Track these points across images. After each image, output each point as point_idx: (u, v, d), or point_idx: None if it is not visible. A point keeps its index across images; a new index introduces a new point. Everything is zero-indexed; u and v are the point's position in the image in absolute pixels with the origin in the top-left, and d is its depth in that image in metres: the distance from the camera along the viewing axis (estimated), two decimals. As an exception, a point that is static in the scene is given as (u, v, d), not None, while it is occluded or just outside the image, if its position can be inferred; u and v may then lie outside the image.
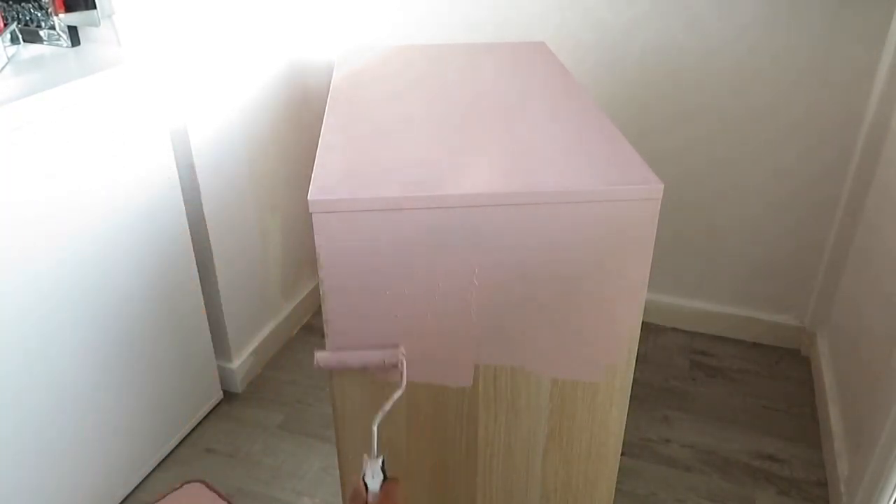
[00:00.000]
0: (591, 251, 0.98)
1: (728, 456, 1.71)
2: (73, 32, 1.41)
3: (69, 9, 1.37)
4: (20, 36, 1.39)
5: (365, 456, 0.89)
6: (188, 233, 1.65)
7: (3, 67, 1.30)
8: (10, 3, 1.37)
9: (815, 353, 1.97)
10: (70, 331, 1.36)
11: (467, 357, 1.06)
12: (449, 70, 1.51)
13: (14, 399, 1.27)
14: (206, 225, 1.71)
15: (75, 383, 1.40)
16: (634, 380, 1.11)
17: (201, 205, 1.68)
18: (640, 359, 1.09)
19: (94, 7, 1.37)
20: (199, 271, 1.72)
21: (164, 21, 1.49)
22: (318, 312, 2.26)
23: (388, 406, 0.92)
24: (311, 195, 0.92)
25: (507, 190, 0.96)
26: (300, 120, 2.06)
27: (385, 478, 0.88)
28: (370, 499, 0.87)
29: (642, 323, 1.05)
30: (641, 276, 1.01)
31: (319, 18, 2.06)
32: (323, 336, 1.00)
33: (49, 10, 1.37)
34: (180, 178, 1.62)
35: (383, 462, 0.88)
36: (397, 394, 0.94)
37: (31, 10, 1.38)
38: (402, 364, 0.99)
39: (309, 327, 2.23)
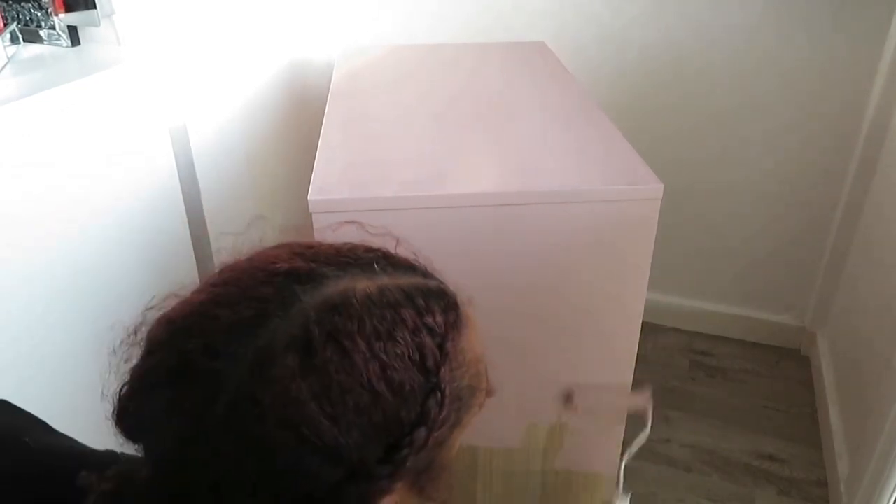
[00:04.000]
0: (592, 251, 0.98)
1: (728, 456, 1.71)
2: (73, 32, 1.41)
3: (69, 9, 1.37)
4: (20, 36, 1.39)
5: (617, 490, 0.95)
6: (188, 233, 1.65)
7: (3, 67, 1.30)
8: (10, 3, 1.37)
9: (815, 353, 1.97)
10: (67, 332, 1.36)
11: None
12: (449, 70, 1.51)
13: (14, 399, 1.27)
14: (205, 225, 1.71)
15: (72, 386, 1.40)
16: (634, 380, 1.11)
17: (201, 205, 1.68)
18: (640, 359, 1.09)
19: (94, 7, 1.37)
20: (198, 271, 1.72)
21: (164, 21, 1.49)
22: (318, 312, 2.25)
23: (634, 450, 0.97)
24: (311, 195, 0.92)
25: (507, 190, 0.96)
26: (300, 120, 2.06)
27: None
28: None
29: (642, 323, 1.05)
30: (642, 275, 1.01)
31: (319, 18, 2.06)
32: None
33: (49, 10, 1.37)
34: (180, 177, 1.61)
35: (630, 498, 0.94)
36: (644, 435, 0.99)
37: (31, 10, 1.38)
38: (648, 409, 1.01)
39: (309, 327, 2.22)
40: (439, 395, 0.49)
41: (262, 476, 0.45)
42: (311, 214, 0.92)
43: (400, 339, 0.48)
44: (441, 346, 0.50)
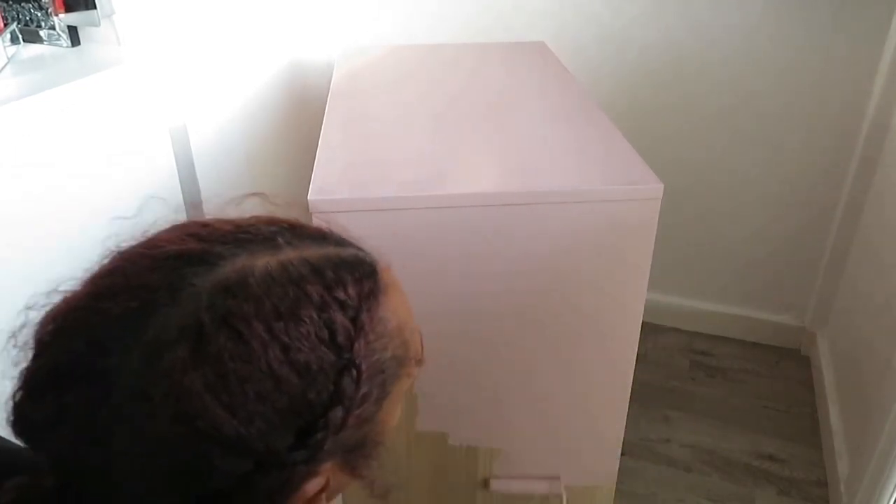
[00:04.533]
0: (592, 251, 0.98)
1: (728, 456, 1.71)
2: (73, 32, 1.41)
3: (69, 9, 1.37)
4: (20, 36, 1.39)
5: None
6: (188, 233, 1.65)
7: (3, 67, 1.30)
8: (10, 3, 1.37)
9: (815, 353, 1.97)
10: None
11: (468, 355, 1.06)
12: (449, 70, 1.51)
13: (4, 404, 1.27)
14: (206, 225, 1.71)
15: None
16: (634, 380, 1.11)
17: (201, 205, 1.68)
18: (640, 359, 1.09)
19: (94, 7, 1.37)
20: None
21: (164, 21, 1.49)
22: (318, 312, 2.25)
23: None
24: (311, 195, 0.92)
25: (507, 190, 0.96)
26: (300, 120, 2.06)
27: None
28: None
29: (642, 323, 1.05)
30: (642, 275, 1.01)
31: (319, 18, 2.06)
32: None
33: (49, 10, 1.37)
34: (180, 177, 1.61)
35: None
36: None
37: (31, 10, 1.38)
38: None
39: (309, 327, 2.22)
40: (354, 371, 0.47)
41: (164, 475, 0.43)
42: (311, 215, 0.92)
43: (305, 318, 0.45)
44: (354, 320, 0.48)
